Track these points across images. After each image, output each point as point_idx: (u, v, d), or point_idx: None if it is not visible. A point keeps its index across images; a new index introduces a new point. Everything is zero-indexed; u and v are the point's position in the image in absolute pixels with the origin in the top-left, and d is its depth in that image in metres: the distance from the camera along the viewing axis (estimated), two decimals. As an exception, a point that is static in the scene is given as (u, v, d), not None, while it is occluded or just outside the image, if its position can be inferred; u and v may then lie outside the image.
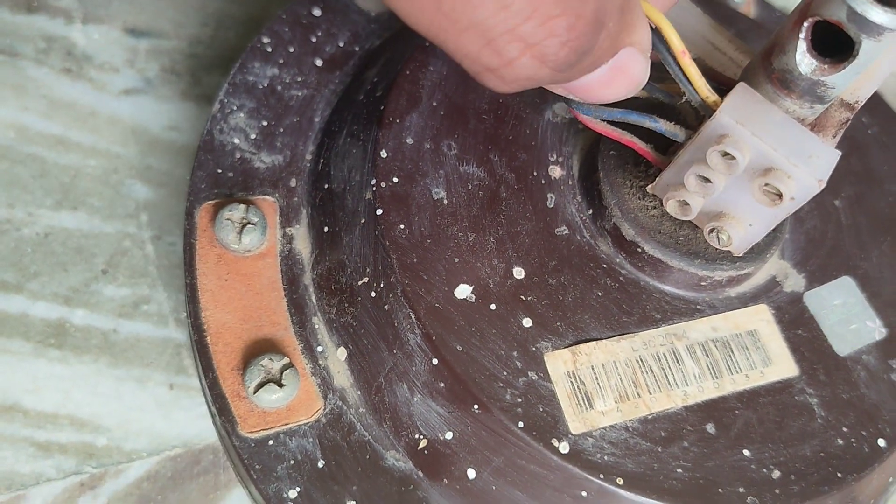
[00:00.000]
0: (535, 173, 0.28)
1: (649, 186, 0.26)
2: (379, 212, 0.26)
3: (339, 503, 0.25)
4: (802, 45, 0.21)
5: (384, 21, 0.33)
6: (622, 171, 0.27)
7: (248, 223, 0.27)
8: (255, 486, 0.24)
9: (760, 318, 0.27)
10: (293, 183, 0.29)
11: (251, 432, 0.25)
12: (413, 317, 0.24)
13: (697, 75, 0.22)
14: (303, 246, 0.28)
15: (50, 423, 0.29)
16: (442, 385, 0.24)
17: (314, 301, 0.27)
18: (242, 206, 0.27)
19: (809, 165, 0.22)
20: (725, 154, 0.22)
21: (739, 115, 0.22)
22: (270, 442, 0.25)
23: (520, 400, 0.24)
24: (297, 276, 0.27)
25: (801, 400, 0.26)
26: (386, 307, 0.25)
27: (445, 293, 0.25)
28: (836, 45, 0.21)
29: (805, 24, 0.21)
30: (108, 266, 0.31)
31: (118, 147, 0.34)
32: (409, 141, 0.27)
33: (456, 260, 0.26)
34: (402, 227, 0.26)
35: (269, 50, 0.31)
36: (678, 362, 0.26)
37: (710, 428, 0.25)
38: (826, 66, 0.22)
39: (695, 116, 0.24)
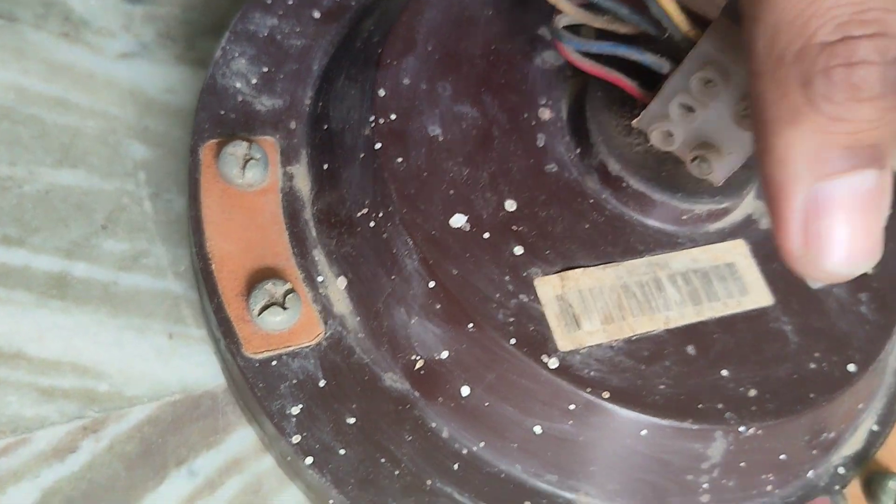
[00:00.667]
0: (525, 115, 0.29)
1: (634, 121, 0.27)
2: (378, 146, 0.27)
3: (339, 420, 0.26)
4: None
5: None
6: (608, 110, 0.28)
7: (251, 159, 0.28)
8: (259, 403, 0.25)
9: (738, 252, 0.29)
10: (293, 125, 0.30)
11: (255, 353, 0.26)
12: (411, 243, 0.26)
13: (676, 11, 0.24)
14: (303, 184, 0.29)
15: (53, 369, 0.30)
16: (438, 306, 0.25)
17: (314, 235, 0.28)
18: (245, 144, 0.28)
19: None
20: (707, 81, 0.24)
21: (719, 45, 0.23)
22: (274, 362, 0.26)
23: (511, 319, 0.25)
24: (298, 211, 0.29)
25: (775, 327, 0.28)
26: (384, 235, 0.26)
27: (441, 222, 0.26)
28: None
29: None
30: (108, 221, 0.32)
31: (116, 108, 0.35)
32: (406, 81, 0.28)
33: (451, 192, 0.27)
34: (399, 160, 0.27)
35: (269, 2, 0.32)
36: (660, 289, 0.27)
37: (691, 349, 0.27)
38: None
39: (677, 51, 0.25)
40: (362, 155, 0.27)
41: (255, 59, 0.31)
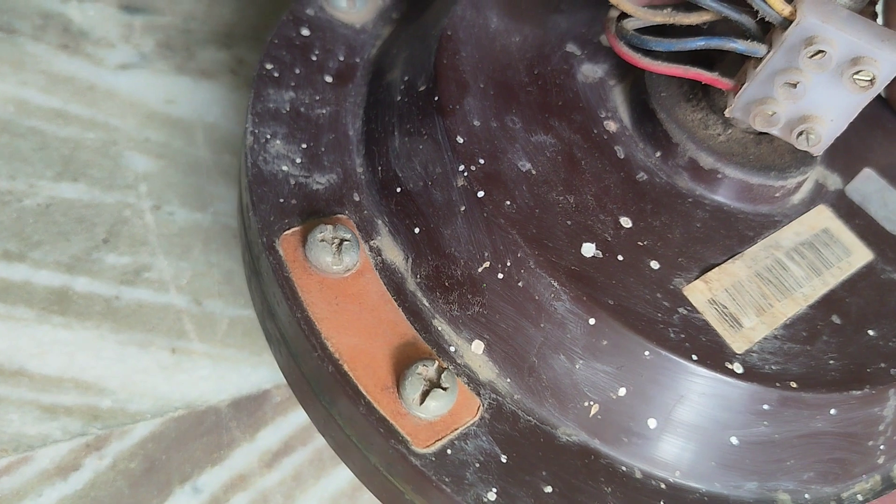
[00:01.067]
0: (595, 131, 0.28)
1: (727, 110, 0.27)
2: (480, 194, 0.25)
3: (538, 492, 0.23)
4: None
5: (370, 31, 0.33)
6: (679, 108, 0.28)
7: (344, 240, 0.25)
8: (452, 499, 0.23)
9: (825, 217, 0.29)
10: (356, 197, 0.28)
11: (427, 447, 0.23)
12: (556, 284, 0.24)
13: (773, -9, 0.24)
14: (393, 255, 0.27)
15: (55, 386, 0.29)
16: (605, 342, 0.24)
17: (427, 304, 0.26)
18: (330, 227, 0.25)
19: (890, 47, 0.23)
20: (815, 54, 0.24)
21: (820, 17, 0.23)
22: (449, 451, 0.23)
23: (683, 336, 0.24)
24: (400, 285, 0.26)
25: (885, 278, 0.28)
26: (520, 283, 0.24)
27: (575, 255, 0.25)
28: None
29: None
30: (109, 235, 0.32)
31: (116, 120, 0.34)
32: (476, 123, 0.27)
33: (569, 223, 0.25)
34: (507, 203, 0.25)
35: (277, 75, 0.30)
36: (785, 269, 0.27)
37: (836, 319, 0.26)
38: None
39: (762, 33, 0.25)
40: (463, 208, 0.25)
41: (290, 137, 0.28)
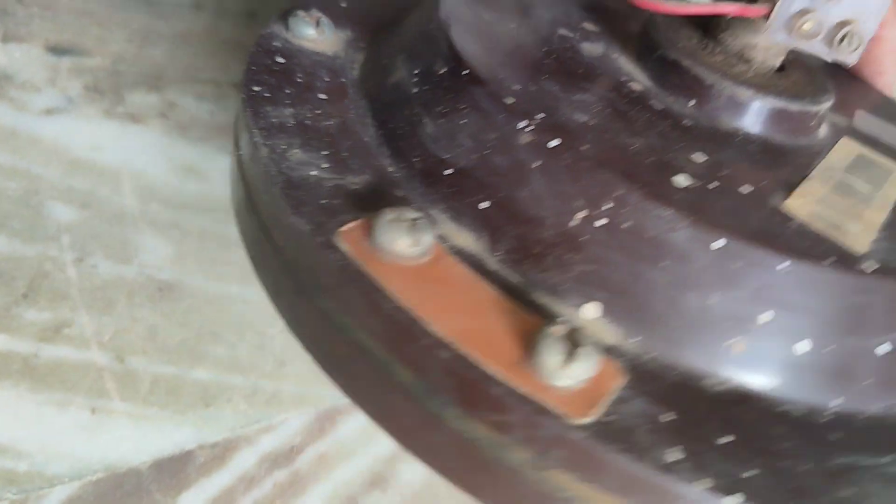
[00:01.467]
0: (624, 90, 0.27)
1: (761, 37, 0.26)
2: (554, 143, 0.23)
3: (718, 444, 0.20)
4: None
5: (344, 57, 0.30)
6: (702, 53, 0.27)
7: (416, 220, 0.22)
8: (631, 468, 0.19)
9: (853, 146, 0.29)
10: (399, 193, 0.24)
11: (586, 416, 0.19)
12: (670, 212, 0.22)
13: None
14: (461, 240, 0.23)
15: None
16: (737, 264, 0.21)
17: (519, 280, 0.22)
18: (395, 211, 0.22)
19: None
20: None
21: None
22: (611, 418, 0.20)
23: (808, 243, 0.22)
24: (480, 268, 0.23)
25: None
26: (627, 225, 0.22)
27: (671, 186, 0.23)
28: None
29: None
30: (29, 290, 0.30)
31: (39, 167, 0.32)
32: (517, 87, 0.25)
33: (648, 161, 0.23)
34: (584, 147, 0.23)
35: (269, 95, 0.27)
36: (851, 185, 0.26)
37: None
38: None
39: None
40: (538, 163, 0.23)
41: (306, 146, 0.25)
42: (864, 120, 0.32)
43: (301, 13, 0.30)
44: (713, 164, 0.24)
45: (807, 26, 0.25)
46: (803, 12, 0.25)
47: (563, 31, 0.29)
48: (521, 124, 0.23)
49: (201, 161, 0.41)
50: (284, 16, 0.31)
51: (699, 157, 0.24)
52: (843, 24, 0.25)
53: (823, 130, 0.29)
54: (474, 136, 0.24)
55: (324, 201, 0.23)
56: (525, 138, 0.23)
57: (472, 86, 0.25)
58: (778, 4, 0.25)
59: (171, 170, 0.44)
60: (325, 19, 0.31)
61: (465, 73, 0.25)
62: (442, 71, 0.26)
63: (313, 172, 0.24)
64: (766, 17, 0.26)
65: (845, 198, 0.25)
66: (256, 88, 0.27)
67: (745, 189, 0.24)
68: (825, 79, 0.29)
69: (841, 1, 0.25)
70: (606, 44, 0.30)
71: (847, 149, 0.28)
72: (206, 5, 0.45)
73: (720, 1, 0.26)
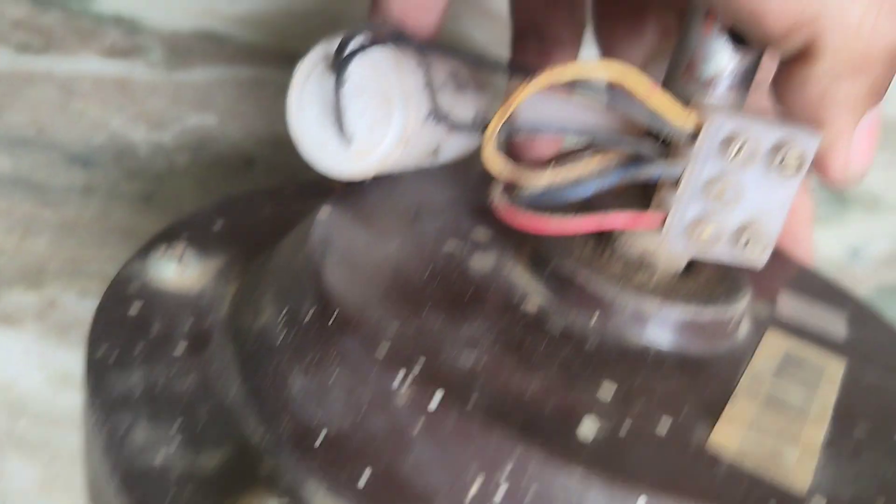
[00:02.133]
0: (519, 313, 0.24)
1: (651, 257, 0.24)
2: (436, 399, 0.19)
3: None
4: (727, 46, 0.23)
5: (211, 293, 0.27)
6: (595, 265, 0.25)
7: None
8: None
9: (780, 340, 0.27)
10: (266, 466, 0.21)
11: None
12: (584, 472, 0.18)
13: (671, 102, 0.22)
14: None
15: None
16: None
17: None
18: (256, 497, 0.18)
19: (802, 127, 0.22)
20: (738, 151, 0.22)
21: (726, 113, 0.22)
22: None
23: (742, 490, 0.19)
24: None
25: (871, 376, 0.26)
26: (533, 490, 0.18)
27: (577, 435, 0.19)
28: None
29: (716, 30, 0.23)
30: None
31: None
32: (392, 330, 0.22)
33: (551, 405, 0.20)
34: (473, 399, 0.20)
35: (114, 359, 0.23)
36: (785, 393, 0.23)
37: (863, 425, 0.23)
38: (747, 51, 0.23)
39: (664, 153, 0.23)
40: (419, 426, 0.19)
41: (155, 419, 0.21)
42: (787, 305, 0.29)
43: (162, 248, 0.27)
44: (624, 398, 0.21)
45: (706, 234, 0.23)
46: (700, 220, 0.23)
47: (449, 246, 0.27)
48: (397, 379, 0.20)
49: (79, 369, 0.37)
50: (144, 251, 0.28)
51: (607, 391, 0.21)
52: (744, 226, 0.23)
53: (744, 328, 0.27)
54: (346, 394, 0.21)
55: (172, 495, 0.19)
56: (402, 397, 0.20)
57: (341, 333, 0.21)
58: (670, 215, 0.23)
59: (44, 380, 0.40)
60: (189, 252, 0.28)
61: (333, 317, 0.22)
62: (309, 314, 0.23)
63: (160, 456, 0.20)
64: (661, 226, 0.23)
65: (778, 414, 0.22)
66: (101, 352, 0.23)
67: (664, 426, 0.21)
68: (739, 271, 0.27)
69: (739, 204, 0.23)
70: (499, 255, 0.27)
71: (773, 347, 0.26)
72: (97, 189, 0.42)
73: (607, 214, 0.24)
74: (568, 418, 0.20)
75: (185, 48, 0.45)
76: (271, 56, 0.47)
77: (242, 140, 0.46)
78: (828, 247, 0.54)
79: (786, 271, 0.33)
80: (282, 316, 0.23)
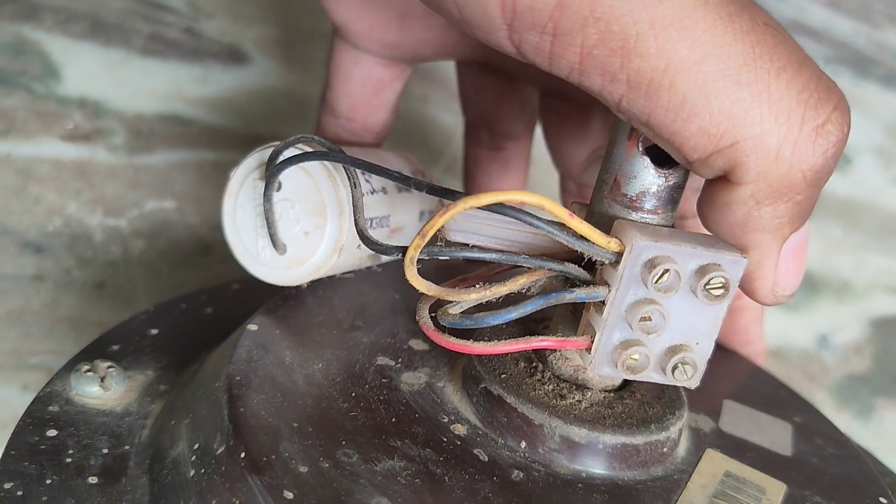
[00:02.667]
0: (444, 439, 0.23)
1: (584, 374, 0.23)
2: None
3: None
4: (650, 166, 0.23)
5: (136, 412, 0.26)
6: (525, 386, 0.24)
7: None
8: None
9: (719, 460, 0.26)
10: None
11: None
12: None
13: (590, 228, 0.21)
14: None
15: None
16: None
17: None
18: None
19: (726, 250, 0.22)
20: (661, 276, 0.21)
21: (650, 237, 0.21)
22: None
23: None
24: None
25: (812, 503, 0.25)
26: None
27: None
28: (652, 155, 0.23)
29: (639, 150, 0.23)
30: None
31: None
32: (303, 469, 0.21)
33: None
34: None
35: (21, 493, 0.22)
36: (717, 529, 0.22)
37: None
38: (671, 171, 0.23)
39: (588, 276, 0.23)
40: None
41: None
42: (731, 416, 0.28)
43: (84, 367, 0.27)
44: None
45: (632, 359, 0.22)
46: (627, 344, 0.22)
47: (381, 360, 0.26)
48: (301, 529, 0.19)
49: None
50: (68, 368, 0.27)
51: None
52: (673, 350, 0.23)
53: (683, 445, 0.26)
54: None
55: None
56: (305, 548, 0.19)
57: (250, 474, 0.21)
58: (597, 338, 0.22)
59: None
60: (114, 371, 0.27)
61: (242, 455, 0.21)
62: (220, 451, 0.22)
63: None
64: (589, 349, 0.23)
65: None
66: (8, 486, 0.22)
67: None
68: (677, 387, 0.26)
69: (665, 328, 0.22)
70: (432, 368, 0.26)
71: (711, 468, 0.25)
72: (48, 276, 0.42)
73: (534, 337, 0.23)
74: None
75: (148, 131, 0.45)
76: (235, 139, 0.47)
77: (200, 225, 0.45)
78: (796, 335, 0.53)
79: (734, 373, 0.32)
80: (195, 449, 0.23)
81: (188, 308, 0.33)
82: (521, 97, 0.35)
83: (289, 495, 0.20)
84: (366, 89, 0.33)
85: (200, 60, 0.45)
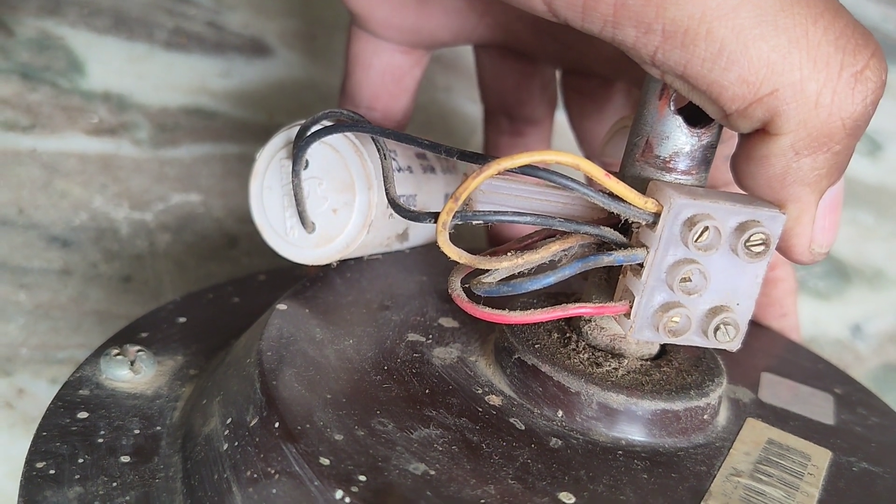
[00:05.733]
0: (479, 409, 0.23)
1: (620, 343, 0.23)
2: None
3: None
4: (683, 125, 0.22)
5: (167, 394, 0.26)
6: (560, 355, 0.24)
7: None
8: None
9: (761, 429, 0.25)
10: None
11: None
12: None
13: (627, 188, 0.21)
14: None
15: None
16: None
17: None
18: None
19: (765, 207, 0.21)
20: (702, 234, 0.21)
21: (688, 196, 0.21)
22: None
23: None
24: None
25: (858, 470, 0.24)
26: None
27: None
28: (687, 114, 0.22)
29: (671, 109, 0.22)
30: None
31: None
32: (338, 437, 0.20)
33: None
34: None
35: (54, 472, 0.22)
36: (762, 494, 0.22)
37: None
38: (704, 129, 0.22)
39: (624, 239, 0.22)
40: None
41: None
42: (770, 388, 0.28)
43: (114, 351, 0.27)
44: (583, 499, 0.20)
45: (674, 322, 0.22)
46: (667, 307, 0.22)
47: (412, 336, 0.26)
48: (338, 494, 0.19)
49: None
50: (97, 354, 0.27)
51: (568, 498, 0.20)
52: (714, 311, 0.22)
53: (723, 416, 0.25)
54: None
55: None
56: (342, 514, 0.18)
57: (285, 443, 0.20)
58: (636, 302, 0.22)
59: (8, 473, 0.39)
60: (144, 354, 0.27)
61: (276, 425, 0.21)
62: (253, 422, 0.21)
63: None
64: (628, 314, 0.22)
65: (754, 519, 0.21)
66: (41, 465, 0.22)
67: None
68: (715, 355, 0.26)
69: (707, 289, 0.22)
70: (463, 344, 0.26)
71: (752, 437, 0.24)
72: (75, 271, 0.42)
73: (571, 304, 0.22)
74: (519, 535, 0.18)
75: (173, 125, 0.45)
76: (260, 132, 0.47)
77: (225, 218, 0.45)
78: (830, 324, 0.52)
79: (769, 348, 0.32)
80: (228, 424, 0.22)
81: (215, 298, 0.33)
82: (542, 80, 0.35)
83: (325, 461, 0.19)
84: (385, 78, 0.33)
85: (223, 53, 0.45)
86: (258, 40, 0.45)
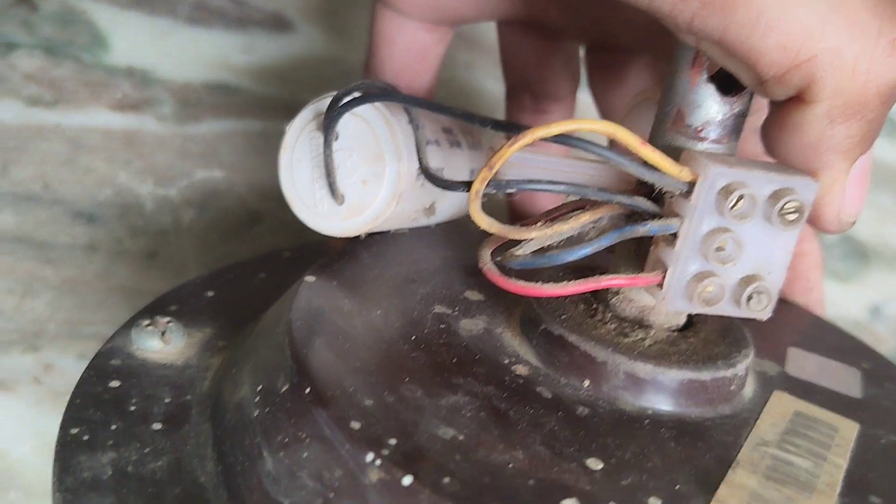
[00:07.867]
0: (506, 378, 0.23)
1: (649, 315, 0.23)
2: (407, 480, 0.18)
3: None
4: (715, 93, 0.22)
5: (196, 364, 0.27)
6: (587, 326, 0.24)
7: None
8: None
9: (788, 401, 0.25)
10: None
11: None
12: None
13: (662, 156, 0.21)
14: None
15: None
16: None
17: None
18: None
19: (798, 175, 0.21)
20: (737, 202, 0.21)
21: (722, 164, 0.21)
22: None
23: None
24: None
25: (886, 442, 0.24)
26: None
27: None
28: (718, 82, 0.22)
29: (704, 78, 0.22)
30: None
31: None
32: (368, 402, 0.21)
33: (531, 482, 0.19)
34: (446, 480, 0.19)
35: (87, 437, 0.22)
36: (789, 464, 0.22)
37: (874, 499, 0.21)
38: (736, 98, 0.22)
39: (658, 209, 0.22)
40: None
41: (123, 503, 0.20)
42: (797, 362, 0.28)
43: (145, 322, 0.27)
44: (613, 472, 0.20)
45: (708, 291, 0.22)
46: (701, 276, 0.22)
47: (439, 308, 0.26)
48: (369, 457, 0.19)
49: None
50: (128, 325, 0.27)
51: (595, 464, 0.20)
52: (747, 280, 0.22)
53: (750, 388, 0.25)
54: (317, 474, 0.20)
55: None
56: (373, 476, 0.19)
57: (315, 408, 0.21)
58: (670, 272, 0.22)
59: (36, 449, 0.39)
60: (174, 325, 0.27)
61: (307, 391, 0.21)
62: (284, 389, 0.22)
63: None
64: (660, 284, 0.22)
65: (782, 487, 0.21)
66: (74, 431, 0.23)
67: (654, 502, 0.19)
68: (742, 327, 0.26)
69: (741, 258, 0.22)
70: (490, 317, 0.26)
71: (780, 409, 0.24)
72: (100, 246, 0.42)
73: (603, 275, 0.23)
74: (547, 499, 0.19)
75: (196, 100, 0.45)
76: (282, 108, 0.47)
77: (248, 194, 0.46)
78: (849, 306, 0.52)
79: (796, 323, 0.32)
80: (258, 391, 0.23)
81: (242, 273, 0.33)
82: (565, 56, 0.35)
83: (355, 425, 0.20)
84: (409, 55, 0.33)
85: (245, 29, 0.45)
86: (280, 15, 0.45)
